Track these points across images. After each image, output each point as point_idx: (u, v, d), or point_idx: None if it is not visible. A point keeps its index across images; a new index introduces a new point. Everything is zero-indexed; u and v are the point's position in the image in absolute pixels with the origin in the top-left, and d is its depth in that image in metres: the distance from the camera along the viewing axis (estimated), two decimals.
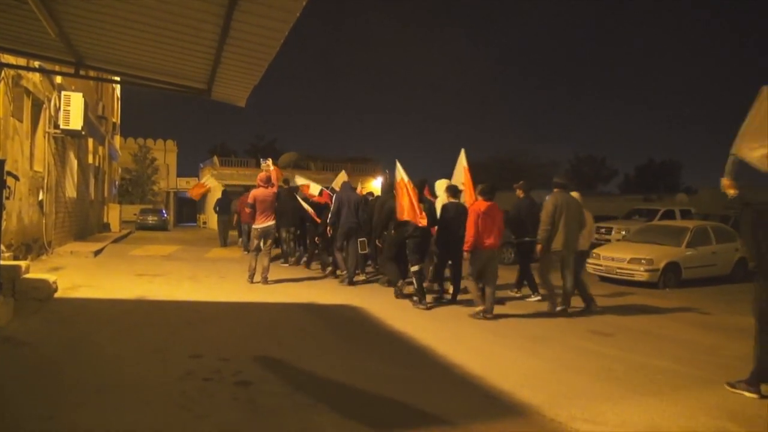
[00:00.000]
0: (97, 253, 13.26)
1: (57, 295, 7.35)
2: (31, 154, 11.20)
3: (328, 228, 10.23)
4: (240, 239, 16.52)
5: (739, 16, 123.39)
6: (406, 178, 8.26)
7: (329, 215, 10.16)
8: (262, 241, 9.35)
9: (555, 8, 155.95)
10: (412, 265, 8.25)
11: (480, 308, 7.35)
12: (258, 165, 44.28)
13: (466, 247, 7.31)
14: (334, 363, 5.14)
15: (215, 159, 41.14)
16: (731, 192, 4.76)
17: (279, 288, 9.23)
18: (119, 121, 26.66)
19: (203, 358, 5.06)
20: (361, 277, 10.50)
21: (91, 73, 8.70)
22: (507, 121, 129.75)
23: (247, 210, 9.37)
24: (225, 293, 8.53)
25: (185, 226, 39.54)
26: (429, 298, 8.35)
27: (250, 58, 5.32)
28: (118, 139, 26.53)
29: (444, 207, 8.54)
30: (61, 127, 12.29)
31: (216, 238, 18.64)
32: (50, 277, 7.46)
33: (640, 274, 11.20)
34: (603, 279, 11.75)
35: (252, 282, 9.37)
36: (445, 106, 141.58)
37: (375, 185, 44.79)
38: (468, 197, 9.01)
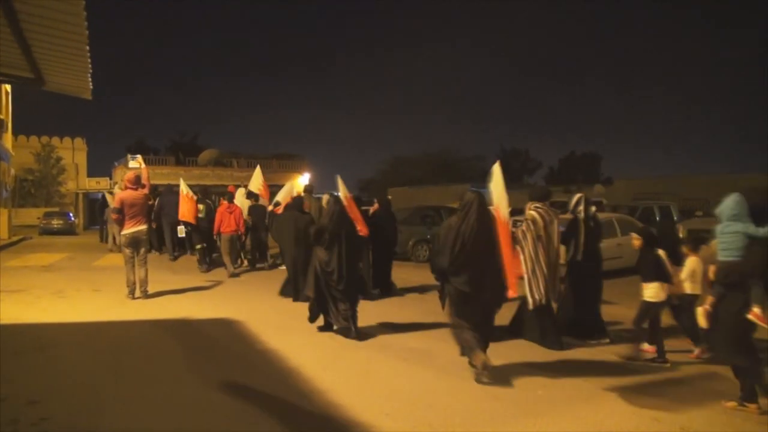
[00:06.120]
0: None
1: None
2: None
3: (153, 223, 13.09)
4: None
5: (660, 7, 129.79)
6: (185, 191, 12.31)
7: (153, 213, 13.15)
8: (134, 250, 8.33)
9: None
10: (195, 244, 12.57)
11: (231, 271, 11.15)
12: (179, 162, 42.97)
13: (215, 231, 11.49)
14: (172, 399, 4.39)
15: (129, 157, 38.72)
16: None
17: (158, 302, 8.31)
18: (10, 119, 24.34)
19: (5, 402, 4.17)
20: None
21: None
22: (435, 116, 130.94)
23: (114, 216, 8.32)
24: (88, 311, 7.53)
25: (97, 229, 37.02)
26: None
27: (61, 39, 4.44)
28: (9, 138, 24.23)
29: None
30: None
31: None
32: None
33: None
34: None
35: (133, 297, 8.37)
36: (376, 101, 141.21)
37: (301, 181, 43.87)
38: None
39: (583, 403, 4.47)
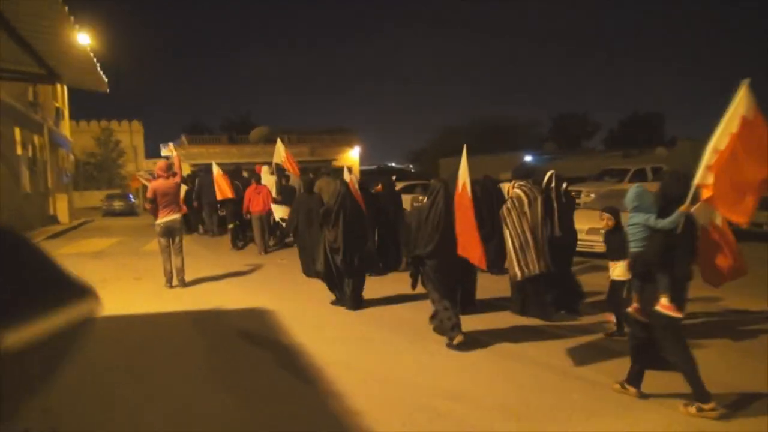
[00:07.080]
0: None
1: None
2: None
3: (195, 202, 14.63)
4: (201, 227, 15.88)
5: None
6: (217, 170, 13.05)
7: (194, 193, 14.65)
8: (169, 239, 8.33)
9: None
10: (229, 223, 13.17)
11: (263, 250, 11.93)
12: (231, 140, 43.54)
13: (243, 211, 11.90)
14: (188, 402, 4.28)
15: (183, 137, 39.62)
16: None
17: (194, 291, 8.35)
18: (67, 106, 25.06)
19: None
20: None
21: None
22: (486, 83, 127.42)
23: (147, 206, 8.32)
24: (123, 303, 7.55)
25: None
26: None
27: (56, 36, 4.27)
28: (67, 125, 25.03)
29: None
30: None
31: None
32: None
33: (600, 245, 10.32)
34: None
35: (171, 286, 8.45)
36: (425, 73, 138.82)
37: (353, 155, 43.66)
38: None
39: (625, 411, 4.06)
